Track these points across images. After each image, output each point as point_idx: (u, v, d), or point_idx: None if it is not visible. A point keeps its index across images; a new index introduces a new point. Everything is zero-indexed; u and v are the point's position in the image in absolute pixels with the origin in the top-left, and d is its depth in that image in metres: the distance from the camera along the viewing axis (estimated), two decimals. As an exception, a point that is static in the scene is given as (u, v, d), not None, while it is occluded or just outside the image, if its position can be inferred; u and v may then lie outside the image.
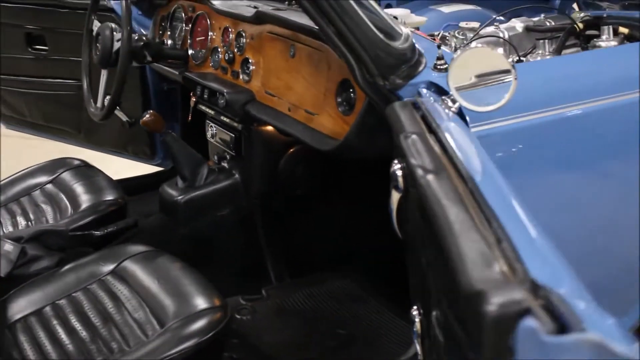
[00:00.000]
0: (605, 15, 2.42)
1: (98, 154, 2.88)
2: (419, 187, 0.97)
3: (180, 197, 2.02)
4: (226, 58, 2.03)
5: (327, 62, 1.65)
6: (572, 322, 0.58)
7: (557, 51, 2.14)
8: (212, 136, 2.19)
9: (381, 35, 1.41)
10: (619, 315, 1.79)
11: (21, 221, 2.15)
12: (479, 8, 2.73)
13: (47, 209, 2.20)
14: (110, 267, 1.78)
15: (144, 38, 2.13)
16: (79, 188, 2.21)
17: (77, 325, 1.65)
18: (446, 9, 2.87)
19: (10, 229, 2.10)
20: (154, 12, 2.50)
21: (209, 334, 1.54)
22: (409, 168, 1.02)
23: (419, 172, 0.98)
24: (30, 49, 2.78)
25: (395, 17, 2.06)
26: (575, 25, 2.17)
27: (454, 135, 1.14)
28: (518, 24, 2.31)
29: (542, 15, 2.39)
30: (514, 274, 0.70)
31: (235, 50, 2.00)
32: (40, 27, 2.72)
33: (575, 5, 3.14)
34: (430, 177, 0.98)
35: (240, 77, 1.97)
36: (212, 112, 2.11)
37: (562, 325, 0.59)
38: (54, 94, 2.81)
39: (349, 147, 1.57)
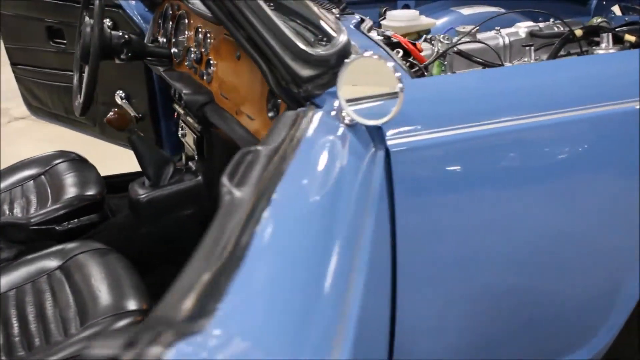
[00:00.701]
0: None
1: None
2: (220, 203, 0.93)
3: (142, 196, 2.02)
4: (195, 58, 2.01)
5: None
6: None
7: (551, 58, 2.01)
8: (183, 136, 2.19)
9: (297, 41, 1.35)
10: (586, 340, 1.66)
11: (6, 211, 2.21)
12: (502, 10, 2.61)
13: (33, 200, 2.25)
14: (59, 262, 1.81)
15: (126, 36, 2.14)
16: (64, 181, 2.26)
17: (13, 319, 1.68)
18: (466, 10, 2.77)
19: (-5, 218, 2.16)
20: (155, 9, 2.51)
21: None
22: (220, 183, 0.97)
23: (224, 189, 0.93)
24: (51, 43, 2.86)
25: (364, 21, 1.98)
26: (574, 33, 2.03)
27: (304, 154, 1.08)
28: (521, 29, 2.19)
29: (551, 20, 2.25)
30: (192, 312, 0.65)
31: (203, 50, 1.98)
32: (59, 22, 2.79)
33: (617, 10, 2.95)
34: (236, 194, 0.93)
35: (204, 77, 1.94)
36: (182, 111, 2.11)
37: None
38: (72, 87, 2.88)
39: None
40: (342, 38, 1.40)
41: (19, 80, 3.09)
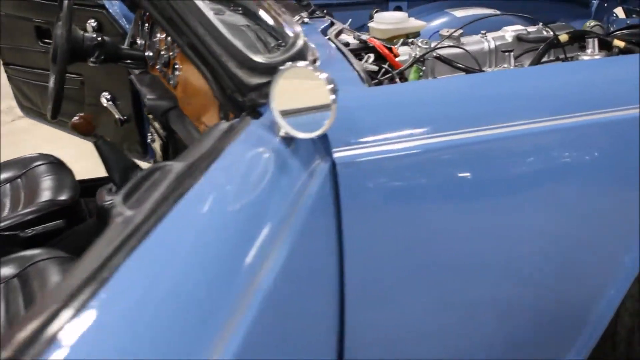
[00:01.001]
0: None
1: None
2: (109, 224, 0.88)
3: (108, 203, 1.97)
4: (164, 62, 1.96)
5: None
6: None
7: (533, 64, 1.93)
8: (152, 141, 2.14)
9: (242, 47, 1.29)
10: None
11: (-21, 215, 2.18)
12: (497, 12, 2.54)
13: (7, 204, 2.22)
14: (16, 270, 1.77)
15: (99, 38, 2.09)
16: (38, 185, 2.22)
17: None
18: (460, 13, 2.69)
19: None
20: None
21: None
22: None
23: (115, 210, 0.88)
24: (40, 43, 2.83)
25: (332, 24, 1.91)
26: (558, 37, 1.95)
27: (221, 168, 1.02)
28: (508, 33, 2.11)
29: (540, 24, 2.16)
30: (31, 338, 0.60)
31: (171, 54, 1.92)
32: (47, 21, 2.77)
33: (621, 12, 2.86)
34: (127, 215, 0.87)
35: (171, 82, 1.89)
36: (150, 116, 2.06)
37: None
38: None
39: None
40: (298, 43, 1.34)
41: (11, 80, 3.07)
